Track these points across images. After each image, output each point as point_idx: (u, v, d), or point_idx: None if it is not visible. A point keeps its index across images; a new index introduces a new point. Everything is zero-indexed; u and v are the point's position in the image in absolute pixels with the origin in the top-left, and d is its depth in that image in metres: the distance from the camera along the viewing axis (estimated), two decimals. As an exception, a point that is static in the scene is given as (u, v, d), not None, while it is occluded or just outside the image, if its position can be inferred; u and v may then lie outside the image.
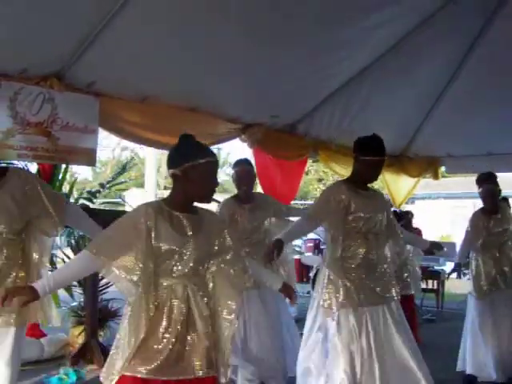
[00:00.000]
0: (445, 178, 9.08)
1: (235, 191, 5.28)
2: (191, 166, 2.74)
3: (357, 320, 3.84)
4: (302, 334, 4.36)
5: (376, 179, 4.23)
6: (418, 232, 9.28)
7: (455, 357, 5.58)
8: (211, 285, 2.86)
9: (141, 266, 2.65)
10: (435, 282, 9.53)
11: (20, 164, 5.21)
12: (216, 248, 2.88)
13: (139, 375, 2.61)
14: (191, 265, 2.74)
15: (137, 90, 5.25)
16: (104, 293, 6.35)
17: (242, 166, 5.15)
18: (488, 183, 5.29)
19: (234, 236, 3.01)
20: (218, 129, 6.08)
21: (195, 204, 2.91)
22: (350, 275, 3.92)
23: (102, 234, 2.88)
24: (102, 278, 5.99)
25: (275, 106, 6.39)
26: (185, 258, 2.73)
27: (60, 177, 5.75)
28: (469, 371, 5.37)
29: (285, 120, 6.91)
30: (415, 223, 8.61)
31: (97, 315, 5.71)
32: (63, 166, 5.68)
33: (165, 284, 2.71)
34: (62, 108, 4.82)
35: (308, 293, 9.45)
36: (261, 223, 5.10)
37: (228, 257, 2.91)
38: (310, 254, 12.74)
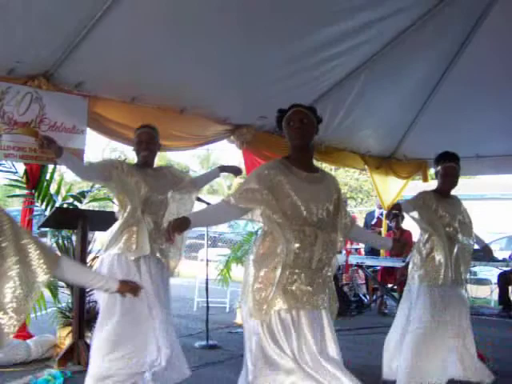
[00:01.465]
0: (435, 179, 9.09)
1: (225, 193, 5.23)
2: None
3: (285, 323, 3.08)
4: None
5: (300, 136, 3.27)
6: (407, 234, 9.31)
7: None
8: None
9: None
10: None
11: (7, 164, 5.19)
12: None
13: None
14: None
15: (125, 91, 5.25)
16: (91, 294, 6.31)
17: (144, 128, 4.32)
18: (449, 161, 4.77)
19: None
20: (206, 130, 6.08)
21: None
22: (285, 275, 3.10)
23: None
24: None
25: (264, 107, 6.38)
26: None
27: (48, 177, 5.70)
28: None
29: (274, 121, 6.88)
30: (405, 225, 8.64)
31: (84, 316, 5.67)
32: (51, 166, 5.63)
33: None
34: (49, 108, 4.80)
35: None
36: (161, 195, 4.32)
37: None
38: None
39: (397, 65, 6.35)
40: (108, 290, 2.85)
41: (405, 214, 4.89)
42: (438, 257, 4.56)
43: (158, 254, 4.21)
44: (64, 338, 5.74)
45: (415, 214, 4.66)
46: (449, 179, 4.70)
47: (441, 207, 4.60)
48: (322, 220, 3.16)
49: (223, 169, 4.75)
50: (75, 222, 4.91)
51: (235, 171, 4.78)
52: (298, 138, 3.25)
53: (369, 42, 5.95)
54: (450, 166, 4.72)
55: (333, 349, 3.07)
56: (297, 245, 3.08)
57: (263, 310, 3.03)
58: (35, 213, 5.49)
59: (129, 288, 2.91)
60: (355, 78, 6.52)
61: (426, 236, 4.66)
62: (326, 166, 9.34)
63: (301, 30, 5.20)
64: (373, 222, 10.02)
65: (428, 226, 4.59)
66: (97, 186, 5.85)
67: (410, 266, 4.73)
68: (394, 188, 9.29)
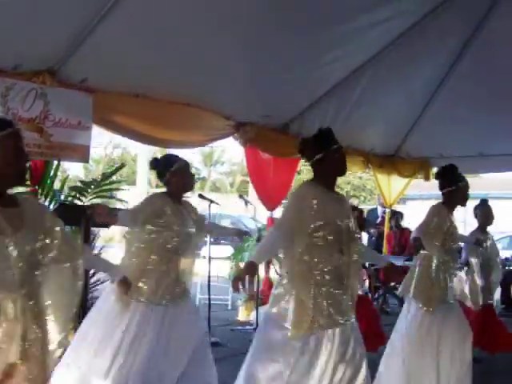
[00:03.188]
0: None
1: (228, 190, 5.25)
2: None
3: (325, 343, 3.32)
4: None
5: (346, 171, 3.67)
6: (407, 232, 9.31)
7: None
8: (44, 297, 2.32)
9: None
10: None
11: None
12: (44, 249, 2.33)
13: None
14: (15, 275, 2.15)
15: (131, 86, 5.24)
16: (93, 291, 6.32)
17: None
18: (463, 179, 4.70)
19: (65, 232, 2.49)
20: (212, 125, 6.07)
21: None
22: (322, 291, 3.37)
23: None
24: (93, 276, 5.98)
25: (269, 105, 6.40)
26: (5, 265, 2.15)
27: (51, 174, 5.70)
28: None
29: (278, 119, 6.92)
30: (407, 224, 8.64)
31: (86, 313, 5.68)
32: (55, 162, 5.64)
33: None
34: (54, 104, 4.79)
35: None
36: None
37: (61, 259, 2.43)
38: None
39: (401, 63, 6.35)
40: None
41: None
42: None
43: None
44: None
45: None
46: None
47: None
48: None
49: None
50: (78, 219, 4.91)
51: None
52: (344, 172, 3.63)
53: (373, 41, 5.95)
54: None
55: None
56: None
57: None
58: (39, 209, 5.48)
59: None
60: (359, 77, 6.52)
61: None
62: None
63: (306, 30, 5.20)
64: (377, 221, 10.00)
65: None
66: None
67: None
68: (397, 186, 9.28)
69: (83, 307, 5.58)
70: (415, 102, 7.52)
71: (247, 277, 3.18)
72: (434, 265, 4.45)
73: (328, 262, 3.33)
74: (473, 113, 7.25)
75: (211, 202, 5.09)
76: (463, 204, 4.54)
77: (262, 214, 7.88)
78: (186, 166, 4.13)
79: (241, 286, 3.17)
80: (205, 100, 5.79)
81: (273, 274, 8.38)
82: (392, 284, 8.70)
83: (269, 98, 6.22)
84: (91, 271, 5.94)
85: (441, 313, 4.41)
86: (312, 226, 3.32)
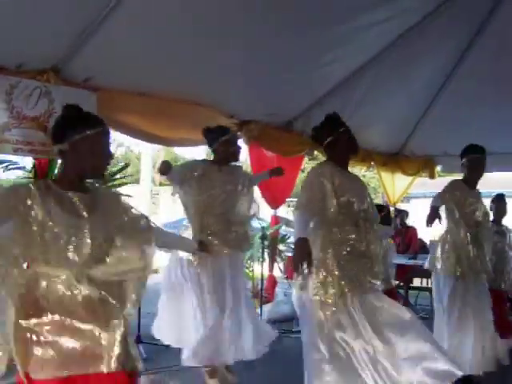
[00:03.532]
0: (442, 177, 9.08)
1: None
2: (81, 139, 2.46)
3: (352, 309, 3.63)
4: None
5: (357, 150, 3.99)
6: (412, 231, 9.30)
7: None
8: (114, 271, 2.46)
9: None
10: (429, 280, 9.50)
11: (16, 158, 5.19)
12: (117, 228, 2.50)
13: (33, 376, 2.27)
14: (87, 252, 2.34)
15: (135, 84, 5.24)
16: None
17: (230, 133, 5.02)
18: (475, 153, 5.03)
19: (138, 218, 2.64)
20: (215, 123, 6.04)
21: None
22: (340, 263, 3.68)
23: None
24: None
25: (272, 103, 6.40)
26: (78, 243, 2.34)
27: (56, 171, 5.71)
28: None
29: (282, 117, 6.92)
30: (412, 222, 8.63)
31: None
32: (59, 160, 5.65)
33: (57, 275, 2.30)
34: (59, 102, 4.78)
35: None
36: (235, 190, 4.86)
37: (131, 232, 2.56)
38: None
39: (404, 62, 6.34)
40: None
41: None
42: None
43: None
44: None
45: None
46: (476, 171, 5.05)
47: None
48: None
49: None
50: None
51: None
52: (356, 150, 3.94)
53: (375, 40, 5.94)
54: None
55: None
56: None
57: None
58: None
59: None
60: (362, 76, 6.52)
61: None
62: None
63: (306, 29, 5.19)
64: (381, 220, 9.98)
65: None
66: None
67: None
68: (401, 185, 9.28)
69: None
70: (419, 100, 7.52)
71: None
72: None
73: (346, 234, 3.64)
74: (477, 111, 7.23)
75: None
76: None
77: (266, 213, 7.88)
78: (233, 137, 4.99)
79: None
80: (208, 98, 5.79)
81: (277, 273, 8.38)
82: (396, 282, 8.69)
83: (272, 97, 6.23)
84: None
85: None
86: (330, 201, 3.62)
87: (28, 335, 2.27)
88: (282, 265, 8.89)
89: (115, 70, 4.97)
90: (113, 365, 2.30)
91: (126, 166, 7.73)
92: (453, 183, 5.05)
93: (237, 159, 4.98)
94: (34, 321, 2.28)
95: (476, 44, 6.40)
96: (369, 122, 7.28)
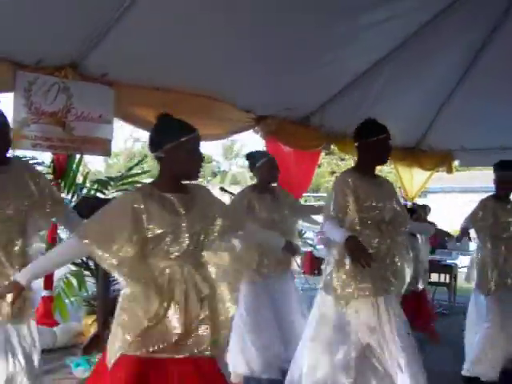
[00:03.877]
0: (459, 171, 9.04)
1: (248, 183, 5.31)
2: (174, 147, 2.72)
3: (372, 311, 3.78)
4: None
5: (388, 159, 4.09)
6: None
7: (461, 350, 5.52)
8: (212, 261, 2.84)
9: (124, 250, 2.60)
10: (447, 275, 9.47)
11: (35, 154, 5.23)
12: (213, 224, 2.85)
13: (139, 354, 2.60)
14: (186, 246, 2.70)
15: (152, 79, 5.26)
16: (116, 283, 6.38)
17: (269, 156, 5.26)
18: (502, 170, 5.10)
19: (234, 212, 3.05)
20: (232, 118, 6.07)
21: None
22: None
23: (89, 220, 2.80)
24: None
25: (289, 97, 6.38)
26: (179, 238, 2.69)
27: (74, 167, 5.76)
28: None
29: (299, 112, 6.90)
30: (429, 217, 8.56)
31: (109, 305, 5.73)
32: (77, 156, 5.69)
33: (161, 266, 2.67)
34: (77, 98, 4.83)
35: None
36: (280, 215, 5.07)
37: (229, 230, 2.93)
38: (322, 246, 12.73)
39: (422, 56, 6.29)
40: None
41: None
42: None
43: None
44: (89, 326, 5.82)
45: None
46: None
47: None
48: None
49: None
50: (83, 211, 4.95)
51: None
52: (385, 160, 4.08)
53: (392, 34, 5.90)
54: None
55: None
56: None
57: None
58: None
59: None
60: (380, 70, 6.48)
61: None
62: (349, 158, 9.26)
63: (325, 22, 5.17)
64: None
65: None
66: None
67: None
68: (419, 179, 9.22)
69: (106, 299, 5.65)
70: (436, 94, 7.46)
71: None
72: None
73: (368, 239, 3.78)
74: (494, 106, 7.17)
75: (232, 194, 5.14)
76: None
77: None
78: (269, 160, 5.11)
79: None
80: (225, 93, 5.79)
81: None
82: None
83: (289, 91, 6.20)
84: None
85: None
86: (352, 207, 3.79)
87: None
88: (298, 260, 8.89)
89: (132, 65, 4.98)
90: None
91: (144, 158, 7.79)
92: (483, 203, 5.13)
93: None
94: None
95: (492, 40, 6.33)
96: (386, 116, 7.16)
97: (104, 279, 5.61)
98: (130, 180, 6.07)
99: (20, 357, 3.26)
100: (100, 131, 5.04)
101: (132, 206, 2.64)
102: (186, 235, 2.70)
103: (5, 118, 3.38)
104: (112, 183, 5.80)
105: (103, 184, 6.10)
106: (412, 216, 5.62)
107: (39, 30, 4.24)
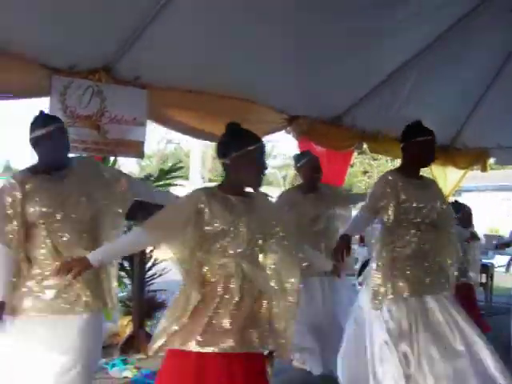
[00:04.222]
0: (493, 169, 8.91)
1: (280, 184, 5.37)
2: (239, 155, 2.89)
3: (406, 310, 3.81)
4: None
5: (432, 161, 4.17)
6: (468, 209, 9.05)
7: (504, 351, 5.44)
8: (268, 261, 2.98)
9: (186, 245, 2.83)
10: (484, 275, 9.36)
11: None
12: (271, 230, 2.99)
13: (191, 348, 2.71)
14: (245, 245, 2.86)
15: (185, 81, 5.28)
16: (151, 284, 6.44)
17: (310, 157, 5.50)
18: None
19: (290, 222, 3.17)
20: (265, 118, 6.07)
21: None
22: (400, 265, 3.88)
23: (157, 214, 2.98)
24: (149, 270, 6.09)
25: (321, 97, 6.37)
26: (238, 237, 2.85)
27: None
28: None
29: (331, 112, 6.88)
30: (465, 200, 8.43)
31: (144, 306, 5.79)
32: (111, 158, 5.75)
33: (219, 263, 2.84)
34: (110, 101, 4.88)
35: (353, 285, 9.39)
36: (324, 212, 5.29)
37: (283, 240, 3.02)
38: (355, 246, 12.66)
39: (456, 52, 6.22)
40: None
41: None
42: None
43: None
44: (125, 326, 5.88)
45: None
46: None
47: None
48: None
49: None
50: (136, 213, 4.98)
51: None
52: (429, 162, 4.18)
53: (426, 30, 5.85)
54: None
55: None
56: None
57: None
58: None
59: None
60: (413, 67, 6.42)
61: None
62: (382, 158, 9.19)
63: (358, 20, 5.14)
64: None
65: None
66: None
67: None
68: (453, 178, 9.11)
69: (142, 300, 5.71)
70: (472, 91, 7.36)
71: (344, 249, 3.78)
72: None
73: (407, 238, 3.89)
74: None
75: (265, 195, 5.17)
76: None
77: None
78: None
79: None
80: (258, 94, 5.79)
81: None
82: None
83: (321, 91, 6.19)
84: (148, 264, 6.05)
85: None
86: (392, 207, 3.86)
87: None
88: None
89: (164, 68, 5.01)
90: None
91: (177, 165, 7.84)
92: None
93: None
94: None
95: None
96: (419, 115, 7.09)
97: (139, 280, 5.67)
98: (164, 182, 6.11)
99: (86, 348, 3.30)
100: (133, 133, 5.09)
101: (196, 204, 2.83)
102: (245, 236, 2.86)
103: (62, 122, 3.48)
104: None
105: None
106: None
107: (73, 36, 4.30)
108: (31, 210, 3.25)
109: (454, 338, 3.79)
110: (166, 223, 2.89)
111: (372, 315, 3.91)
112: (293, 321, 2.95)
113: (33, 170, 3.41)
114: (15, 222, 3.23)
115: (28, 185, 3.28)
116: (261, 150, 2.96)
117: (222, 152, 2.98)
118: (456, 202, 7.15)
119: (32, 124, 3.40)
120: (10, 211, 3.23)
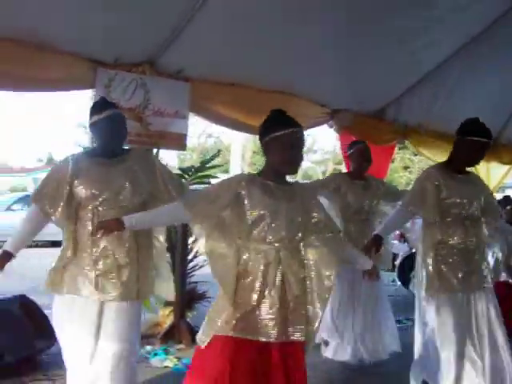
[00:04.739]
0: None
1: (319, 178, 5.38)
2: (270, 139, 2.88)
3: (455, 306, 3.82)
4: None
5: (477, 162, 4.03)
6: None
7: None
8: (308, 254, 2.93)
9: (222, 230, 2.86)
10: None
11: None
12: (311, 220, 2.97)
13: (232, 334, 2.74)
14: (283, 232, 2.84)
15: (227, 75, 5.32)
16: (192, 275, 6.49)
17: (359, 145, 5.53)
18: None
19: (326, 211, 3.11)
20: (307, 112, 6.07)
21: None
22: (447, 261, 3.85)
23: (198, 193, 3.08)
24: (191, 262, 6.13)
25: (363, 91, 6.33)
26: (277, 223, 2.83)
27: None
28: None
29: (372, 105, 6.84)
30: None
31: (185, 297, 5.84)
32: (154, 150, 5.81)
33: (258, 249, 2.83)
34: (153, 94, 4.93)
35: (393, 281, 9.34)
36: (368, 202, 5.26)
37: (324, 230, 3.01)
38: (396, 242, 12.55)
39: (501, 44, 6.11)
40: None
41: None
42: None
43: None
44: (166, 316, 5.94)
45: None
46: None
47: None
48: None
49: None
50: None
51: None
52: (476, 162, 4.03)
53: (469, 23, 5.76)
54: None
55: None
56: None
57: None
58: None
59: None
60: (456, 61, 6.33)
61: None
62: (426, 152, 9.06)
63: (401, 15, 5.10)
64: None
65: None
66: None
67: None
68: (497, 174, 8.95)
69: (183, 291, 5.76)
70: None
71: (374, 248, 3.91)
72: None
73: (451, 235, 3.84)
74: None
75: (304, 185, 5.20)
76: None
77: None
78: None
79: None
80: (299, 88, 5.80)
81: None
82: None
83: (363, 85, 6.15)
84: (189, 256, 6.11)
85: None
86: (434, 203, 3.82)
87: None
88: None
89: (207, 62, 5.05)
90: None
91: (219, 152, 7.85)
92: None
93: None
94: None
95: None
96: (463, 108, 7.08)
97: (181, 272, 5.73)
98: (203, 173, 6.13)
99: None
100: (175, 126, 5.14)
101: (236, 188, 2.86)
102: (284, 221, 2.84)
103: (119, 111, 3.60)
104: (186, 176, 5.87)
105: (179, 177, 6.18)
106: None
107: (118, 30, 4.37)
108: (78, 188, 3.37)
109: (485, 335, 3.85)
110: (204, 202, 2.88)
111: (435, 323, 3.87)
112: (323, 310, 2.93)
113: (90, 153, 3.57)
114: (63, 197, 3.35)
115: (81, 164, 3.42)
116: (293, 136, 2.87)
117: (260, 136, 2.99)
118: (508, 197, 7.02)
119: (92, 108, 3.53)
120: (59, 185, 3.37)
